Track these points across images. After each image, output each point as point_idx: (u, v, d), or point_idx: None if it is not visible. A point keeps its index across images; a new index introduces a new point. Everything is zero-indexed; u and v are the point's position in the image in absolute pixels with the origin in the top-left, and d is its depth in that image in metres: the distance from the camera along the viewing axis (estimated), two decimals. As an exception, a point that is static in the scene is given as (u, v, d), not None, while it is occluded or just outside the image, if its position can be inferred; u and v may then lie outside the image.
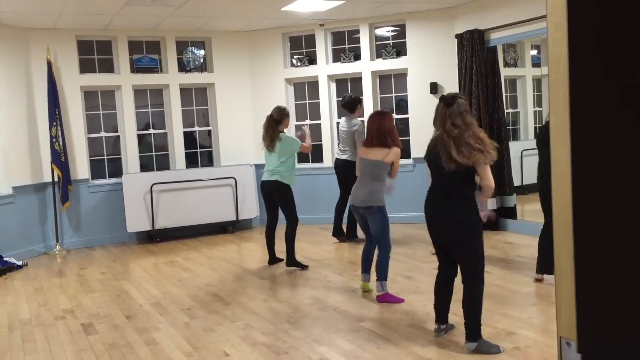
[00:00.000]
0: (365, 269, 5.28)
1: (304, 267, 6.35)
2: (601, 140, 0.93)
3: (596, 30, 0.92)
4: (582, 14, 0.91)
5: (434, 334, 4.14)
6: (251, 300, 5.35)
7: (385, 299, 4.97)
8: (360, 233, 7.23)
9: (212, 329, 4.61)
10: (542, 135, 5.23)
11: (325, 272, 6.19)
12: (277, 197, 6.36)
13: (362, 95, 8.57)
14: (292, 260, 6.36)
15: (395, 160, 4.98)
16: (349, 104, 7.38)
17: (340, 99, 7.62)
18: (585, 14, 0.91)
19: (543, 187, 5.13)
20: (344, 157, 7.45)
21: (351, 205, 5.21)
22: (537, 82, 9.15)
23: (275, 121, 6.32)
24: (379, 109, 8.51)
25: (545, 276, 5.19)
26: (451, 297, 4.13)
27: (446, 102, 3.87)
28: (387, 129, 4.97)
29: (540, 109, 8.99)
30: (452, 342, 4.03)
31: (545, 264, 5.15)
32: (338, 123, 9.11)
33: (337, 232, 7.68)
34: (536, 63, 9.11)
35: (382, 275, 5.00)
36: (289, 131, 7.47)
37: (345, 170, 7.23)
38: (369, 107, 8.72)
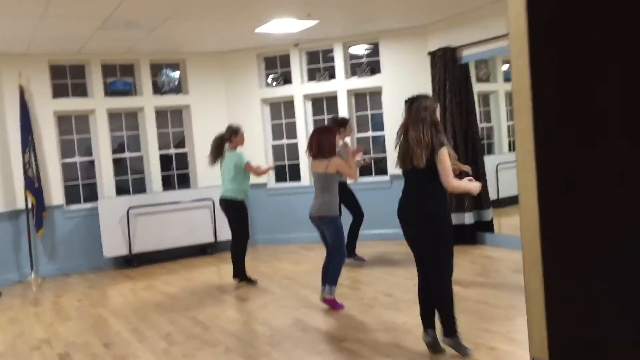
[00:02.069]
0: (324, 281, 5.45)
1: (253, 281, 6.59)
2: (566, 162, 0.95)
3: (558, 55, 0.94)
4: (544, 40, 0.93)
5: (423, 340, 4.14)
6: (231, 323, 5.30)
7: (330, 303, 5.30)
8: (359, 251, 7.29)
9: (192, 354, 4.55)
10: None
11: (306, 291, 6.16)
12: (230, 213, 6.62)
13: (337, 114, 8.62)
14: (241, 274, 6.59)
15: (339, 168, 5.27)
16: (335, 125, 7.07)
17: (330, 117, 7.69)
18: (548, 40, 0.93)
19: None
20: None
21: (309, 217, 5.43)
22: (510, 96, 9.29)
23: (223, 139, 6.66)
24: (354, 126, 8.57)
25: None
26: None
27: (410, 102, 4.05)
28: (326, 142, 5.28)
29: (513, 122, 9.14)
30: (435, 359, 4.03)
31: None
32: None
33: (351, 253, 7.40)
34: (508, 78, 9.24)
35: (332, 281, 5.29)
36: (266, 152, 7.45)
37: (342, 193, 7.27)
38: (345, 125, 8.78)
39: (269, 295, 6.17)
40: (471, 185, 4.06)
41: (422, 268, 4.11)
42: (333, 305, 5.31)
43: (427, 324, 4.11)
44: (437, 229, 3.91)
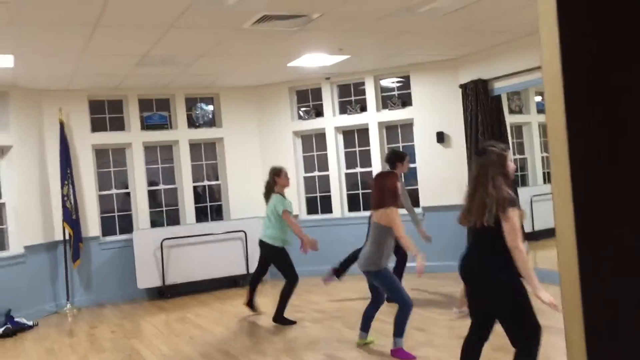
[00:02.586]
0: (363, 327, 5.27)
1: (292, 322, 6.33)
2: (605, 209, 0.94)
3: (594, 102, 0.94)
4: (580, 87, 0.94)
5: None
6: (265, 357, 5.28)
7: (398, 354, 4.89)
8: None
9: (224, 388, 4.54)
10: None
11: (338, 325, 6.11)
12: (270, 259, 6.63)
13: (370, 146, 8.65)
14: (280, 318, 6.37)
15: (388, 219, 4.80)
16: (389, 160, 6.77)
17: (388, 152, 7.19)
18: (580, 85, 0.94)
19: None
20: None
21: (358, 266, 5.15)
22: (544, 127, 9.22)
23: (269, 182, 6.57)
24: (405, 152, 8.44)
25: None
26: None
27: (477, 153, 3.67)
28: (386, 189, 4.88)
29: (548, 154, 9.04)
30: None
31: None
32: (347, 174, 9.18)
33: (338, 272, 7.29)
34: (541, 109, 9.20)
35: (398, 332, 4.90)
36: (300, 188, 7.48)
37: None
38: (376, 158, 8.79)
39: (301, 329, 6.13)
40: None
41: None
42: (403, 356, 4.88)
43: None
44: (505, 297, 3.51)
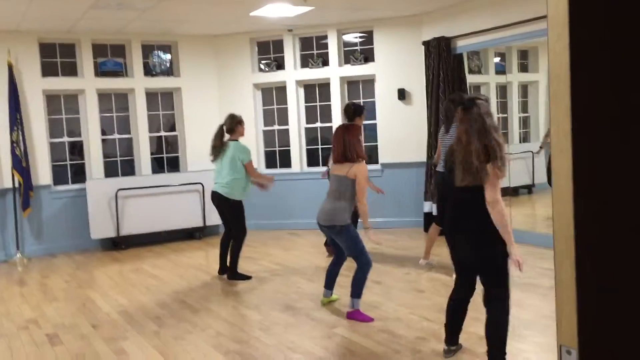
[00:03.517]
0: (327, 285, 5.12)
1: (247, 277, 6.22)
2: (604, 150, 0.94)
3: (599, 40, 0.93)
4: (585, 23, 0.92)
5: (445, 356, 3.91)
6: (221, 307, 5.28)
7: (355, 316, 4.73)
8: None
9: (182, 337, 4.53)
10: None
11: (296, 278, 6.16)
12: (226, 211, 6.22)
13: (330, 101, 8.61)
14: (235, 274, 6.21)
15: (358, 175, 4.66)
16: (348, 114, 6.53)
17: (347, 105, 6.73)
18: (588, 23, 0.92)
19: None
20: None
21: (317, 222, 4.90)
22: (502, 89, 9.32)
23: (226, 131, 6.20)
24: (363, 106, 8.34)
25: None
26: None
27: (464, 106, 3.45)
28: (350, 142, 4.73)
29: (504, 115, 9.16)
30: (427, 352, 4.05)
31: None
32: (307, 129, 9.12)
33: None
34: (499, 70, 9.29)
35: (356, 293, 4.75)
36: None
37: None
38: (337, 113, 8.75)
39: (259, 281, 6.15)
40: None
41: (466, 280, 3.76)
42: (360, 318, 4.70)
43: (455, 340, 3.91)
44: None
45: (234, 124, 6.20)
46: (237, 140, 6.22)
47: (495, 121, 3.46)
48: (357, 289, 4.74)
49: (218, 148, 6.17)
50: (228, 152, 6.11)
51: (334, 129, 7.47)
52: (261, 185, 6.42)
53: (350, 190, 4.70)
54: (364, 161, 4.78)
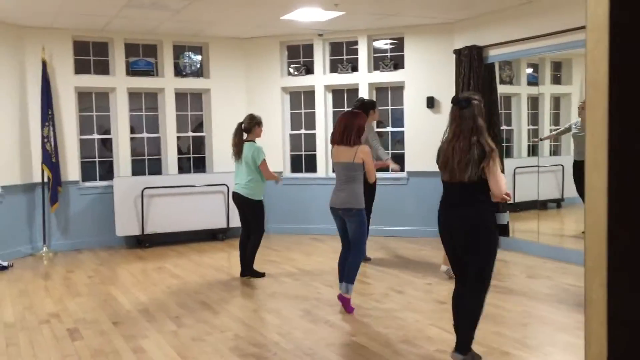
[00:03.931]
0: (341, 278, 5.15)
1: (261, 275, 6.39)
2: (642, 163, 0.88)
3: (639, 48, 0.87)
4: (626, 28, 0.87)
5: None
6: (241, 310, 5.27)
7: (345, 302, 5.01)
8: (369, 253, 6.99)
9: (201, 338, 4.52)
10: None
11: (316, 284, 6.12)
12: (248, 210, 6.31)
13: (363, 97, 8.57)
14: (251, 270, 6.38)
15: (365, 157, 4.88)
16: (364, 107, 6.55)
17: (356, 101, 7.06)
18: (630, 28, 0.87)
19: None
20: None
21: (330, 208, 5.08)
22: (533, 100, 9.17)
23: (244, 130, 6.27)
24: (374, 101, 8.11)
25: None
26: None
27: (460, 105, 3.61)
28: (355, 128, 4.89)
29: (535, 127, 9.01)
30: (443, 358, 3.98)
31: None
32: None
33: None
34: (532, 81, 9.14)
35: (351, 279, 4.98)
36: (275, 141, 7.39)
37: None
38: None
39: (279, 285, 6.13)
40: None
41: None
42: (346, 305, 5.02)
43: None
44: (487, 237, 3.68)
45: (252, 125, 6.26)
46: (253, 141, 6.28)
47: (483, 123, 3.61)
48: (352, 274, 4.98)
49: (238, 146, 6.23)
50: (245, 153, 6.20)
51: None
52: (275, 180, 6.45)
53: (360, 173, 4.91)
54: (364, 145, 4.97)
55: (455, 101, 3.67)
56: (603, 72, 0.89)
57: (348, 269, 4.99)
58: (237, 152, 6.26)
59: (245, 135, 6.30)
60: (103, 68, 8.53)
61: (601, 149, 0.90)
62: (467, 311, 3.73)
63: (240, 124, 6.34)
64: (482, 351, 4.03)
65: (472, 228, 3.63)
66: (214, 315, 5.10)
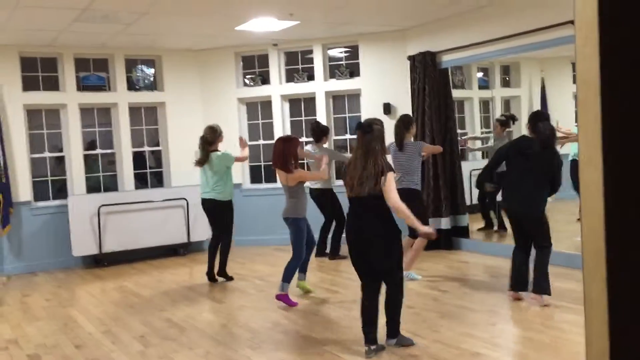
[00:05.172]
0: (300, 270, 5.84)
1: (231, 278, 6.76)
2: (637, 160, 0.89)
3: (630, 44, 0.88)
4: (617, 24, 0.87)
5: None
6: (209, 325, 5.17)
7: (283, 299, 5.52)
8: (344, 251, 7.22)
9: (168, 357, 4.41)
10: (518, 149, 5.20)
11: (283, 294, 6.05)
12: (218, 213, 6.65)
13: (316, 116, 8.59)
14: (224, 272, 6.76)
15: (300, 179, 5.57)
16: (316, 134, 7.43)
17: (312, 125, 7.67)
18: (620, 24, 0.88)
19: (522, 204, 5.09)
20: (317, 185, 7.49)
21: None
22: (484, 104, 9.37)
23: (208, 141, 6.61)
24: (328, 127, 8.38)
25: (523, 294, 5.20)
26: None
27: (363, 130, 4.15)
28: (288, 153, 5.50)
29: (487, 129, 9.20)
30: (418, 364, 3.98)
31: (521, 281, 5.17)
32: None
33: (320, 253, 7.64)
34: (483, 85, 9.34)
35: (287, 278, 5.56)
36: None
37: (322, 198, 7.55)
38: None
39: (246, 297, 6.05)
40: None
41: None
42: (286, 301, 5.51)
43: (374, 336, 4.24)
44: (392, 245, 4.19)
45: (214, 136, 6.63)
46: (217, 151, 6.64)
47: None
48: (287, 275, 5.58)
49: (204, 157, 6.60)
50: (213, 164, 6.56)
51: (312, 150, 7.45)
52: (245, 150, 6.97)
53: (297, 191, 5.60)
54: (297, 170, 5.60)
55: (359, 126, 4.21)
56: (594, 69, 0.89)
57: (285, 269, 5.59)
58: (202, 162, 6.61)
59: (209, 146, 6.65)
60: (52, 84, 8.29)
61: (595, 146, 0.91)
62: (396, 302, 4.26)
63: (203, 137, 6.66)
64: (453, 353, 4.06)
65: (379, 235, 4.12)
66: (181, 332, 4.99)
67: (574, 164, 8.28)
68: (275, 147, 5.66)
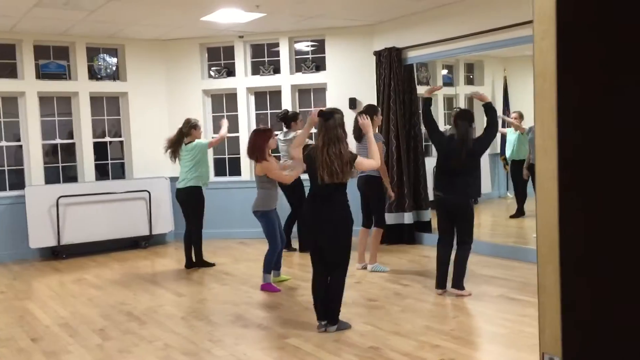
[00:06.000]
0: (274, 266, 5.99)
1: (212, 264, 7.03)
2: (591, 151, 0.91)
3: (587, 38, 0.90)
4: (572, 21, 0.89)
5: (320, 330, 4.53)
6: (169, 318, 5.11)
7: (267, 287, 5.77)
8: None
9: (128, 350, 4.35)
10: (452, 148, 5.37)
11: (246, 287, 6.04)
12: (193, 202, 6.82)
13: (286, 109, 8.56)
14: (202, 261, 7.02)
15: (266, 172, 5.63)
16: (287, 121, 7.55)
17: (280, 113, 7.77)
18: (575, 21, 0.89)
19: (457, 195, 5.28)
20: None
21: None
22: (448, 100, 9.49)
23: (183, 134, 6.84)
24: (297, 112, 8.37)
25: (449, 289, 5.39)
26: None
27: (325, 117, 4.37)
28: (257, 145, 5.62)
29: (451, 126, 9.32)
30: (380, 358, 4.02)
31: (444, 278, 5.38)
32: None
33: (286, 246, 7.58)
34: (447, 82, 9.46)
35: (266, 269, 5.79)
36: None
37: (290, 188, 7.37)
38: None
39: (208, 291, 6.01)
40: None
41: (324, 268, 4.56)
42: (270, 289, 5.77)
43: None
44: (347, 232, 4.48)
45: (188, 128, 6.85)
46: (193, 142, 6.83)
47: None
48: (267, 266, 5.80)
49: (175, 150, 6.81)
50: (188, 153, 6.76)
51: (283, 136, 7.46)
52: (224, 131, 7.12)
53: (267, 183, 5.71)
54: (267, 161, 5.66)
55: (320, 114, 4.43)
56: (551, 62, 0.91)
57: (264, 261, 5.81)
58: (174, 155, 6.83)
59: (185, 139, 6.86)
60: (10, 71, 8.06)
61: (551, 137, 0.93)
62: (339, 289, 4.52)
63: (179, 130, 6.90)
64: (412, 345, 4.11)
65: (341, 220, 4.40)
66: (141, 325, 4.92)
67: (515, 165, 8.53)
68: (249, 139, 5.84)
